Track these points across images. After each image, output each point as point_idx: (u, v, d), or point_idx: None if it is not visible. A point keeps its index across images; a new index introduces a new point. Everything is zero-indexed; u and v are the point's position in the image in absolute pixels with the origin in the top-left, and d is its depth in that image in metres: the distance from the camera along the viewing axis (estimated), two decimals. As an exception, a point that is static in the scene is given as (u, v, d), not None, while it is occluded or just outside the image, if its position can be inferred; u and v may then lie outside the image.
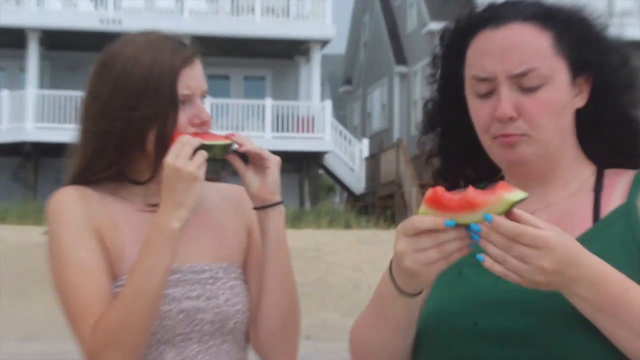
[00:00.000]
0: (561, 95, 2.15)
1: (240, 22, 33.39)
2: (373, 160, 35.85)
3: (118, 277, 2.52)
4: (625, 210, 2.11)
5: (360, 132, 43.86)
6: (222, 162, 2.69)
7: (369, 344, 2.26)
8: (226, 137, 2.56)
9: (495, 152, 2.21)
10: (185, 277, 2.52)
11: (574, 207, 2.18)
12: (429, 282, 2.02)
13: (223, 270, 2.59)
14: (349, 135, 36.97)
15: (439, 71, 2.35)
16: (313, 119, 33.37)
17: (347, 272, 22.37)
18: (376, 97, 44.53)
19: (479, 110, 2.19)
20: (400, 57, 41.19)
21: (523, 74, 2.12)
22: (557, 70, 2.15)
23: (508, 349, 2.04)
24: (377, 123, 43.91)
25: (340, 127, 36.53)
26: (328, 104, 34.36)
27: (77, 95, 31.37)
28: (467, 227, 1.88)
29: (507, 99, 2.13)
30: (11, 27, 33.03)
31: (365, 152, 36.52)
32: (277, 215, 2.56)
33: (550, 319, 1.99)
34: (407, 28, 41.15)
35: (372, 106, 45.18)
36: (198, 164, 2.42)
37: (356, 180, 35.97)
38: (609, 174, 2.22)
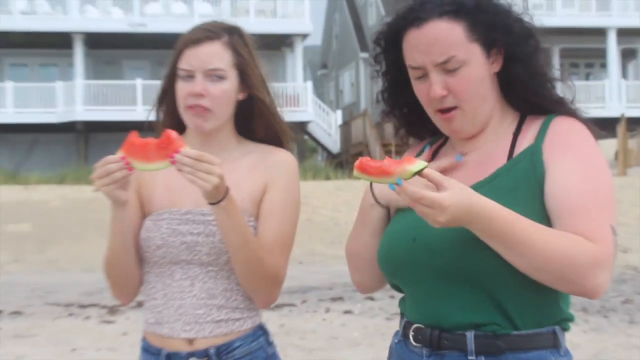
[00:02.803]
0: (478, 71, 2.10)
1: (238, 22, 32.59)
2: (345, 127, 35.81)
3: (148, 215, 2.55)
4: (531, 150, 2.09)
5: (335, 105, 43.69)
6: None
7: (357, 251, 2.30)
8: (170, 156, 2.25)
9: (438, 122, 2.18)
10: (194, 218, 2.47)
11: (496, 149, 2.15)
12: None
13: None
14: (326, 108, 36.88)
15: (384, 65, 2.28)
16: (298, 96, 33.19)
17: (327, 212, 22.45)
18: (346, 77, 44.34)
19: (419, 91, 2.16)
20: (364, 46, 40.86)
21: (445, 62, 2.08)
22: (472, 53, 2.09)
23: (437, 257, 2.07)
24: (347, 98, 43.68)
25: (319, 101, 36.41)
26: (309, 84, 34.29)
27: (115, 83, 32.31)
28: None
29: (436, 81, 2.10)
30: (60, 32, 32.99)
31: (339, 121, 36.42)
32: (218, 212, 2.33)
33: (463, 236, 2.00)
34: (368, 22, 40.90)
35: (343, 85, 44.96)
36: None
37: (333, 142, 35.92)
38: (528, 119, 2.18)
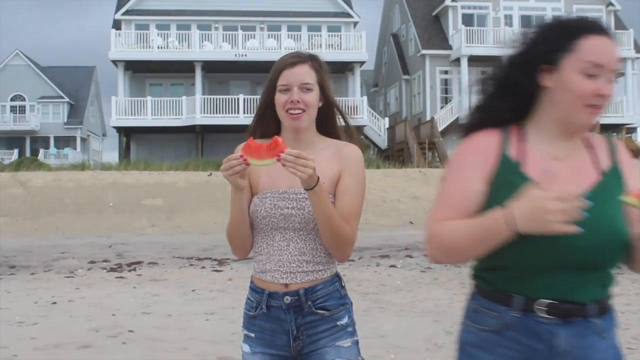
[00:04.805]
0: None
1: (314, 54, 32.82)
2: (391, 130, 35.46)
3: (255, 194, 2.53)
4: (614, 168, 2.04)
5: (383, 113, 42.88)
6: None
7: (460, 248, 1.97)
8: (277, 156, 2.28)
9: (581, 113, 1.97)
10: (289, 196, 2.47)
11: (581, 157, 2.04)
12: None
13: None
14: (377, 116, 36.59)
15: (506, 70, 2.03)
16: (356, 107, 33.03)
17: (378, 192, 22.26)
18: (392, 93, 43.67)
19: (584, 85, 1.94)
20: (405, 70, 40.51)
21: (616, 70, 1.99)
22: None
23: (575, 255, 1.94)
24: (392, 108, 42.95)
25: (372, 111, 36.17)
26: (364, 99, 34.09)
27: (224, 97, 32.30)
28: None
29: (610, 84, 1.97)
30: (185, 60, 33.31)
31: (387, 125, 36.03)
32: (312, 195, 2.34)
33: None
34: (409, 53, 40.35)
35: (390, 98, 44.22)
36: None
37: (382, 141, 35.59)
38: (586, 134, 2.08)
